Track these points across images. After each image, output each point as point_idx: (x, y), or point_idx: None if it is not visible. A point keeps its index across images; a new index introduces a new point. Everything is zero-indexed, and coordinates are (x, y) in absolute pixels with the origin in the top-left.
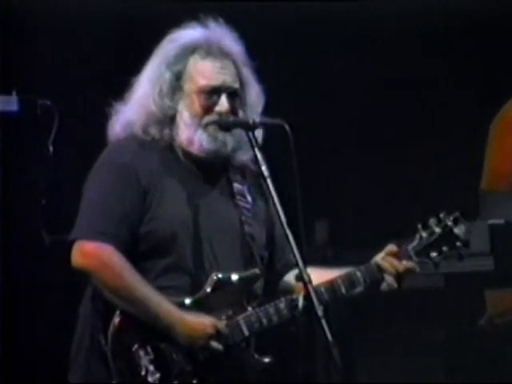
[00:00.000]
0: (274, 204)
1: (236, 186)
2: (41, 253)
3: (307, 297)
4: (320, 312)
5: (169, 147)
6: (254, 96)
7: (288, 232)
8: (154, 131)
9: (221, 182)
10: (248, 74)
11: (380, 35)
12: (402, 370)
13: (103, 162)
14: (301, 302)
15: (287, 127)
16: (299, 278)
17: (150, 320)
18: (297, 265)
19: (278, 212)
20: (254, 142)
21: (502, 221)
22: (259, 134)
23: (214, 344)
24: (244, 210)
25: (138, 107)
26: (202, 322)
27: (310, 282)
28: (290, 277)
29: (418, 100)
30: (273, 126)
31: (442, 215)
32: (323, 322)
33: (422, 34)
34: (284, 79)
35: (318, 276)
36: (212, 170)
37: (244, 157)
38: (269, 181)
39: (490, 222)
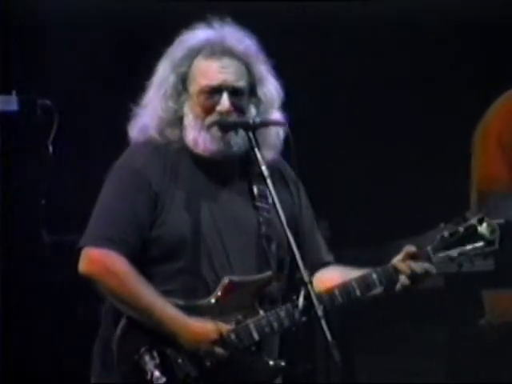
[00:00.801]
0: (275, 204)
1: (256, 186)
2: (41, 253)
3: (307, 297)
4: (320, 312)
5: (183, 149)
6: (270, 92)
7: (288, 232)
8: (168, 133)
9: (239, 182)
10: (262, 71)
11: (384, 35)
12: (402, 370)
13: (116, 167)
14: (301, 302)
15: (288, 127)
16: (299, 278)
17: (155, 326)
18: (297, 265)
19: (277, 212)
20: (253, 142)
21: (501, 221)
22: (280, 132)
23: (218, 350)
24: (263, 211)
25: (150, 110)
26: (206, 327)
27: (310, 282)
28: (317, 277)
29: (419, 100)
30: (274, 125)
31: (467, 214)
32: (323, 322)
33: (426, 34)
34: (283, 79)
35: (339, 274)
36: (228, 170)
37: (269, 156)
38: (269, 181)
39: None
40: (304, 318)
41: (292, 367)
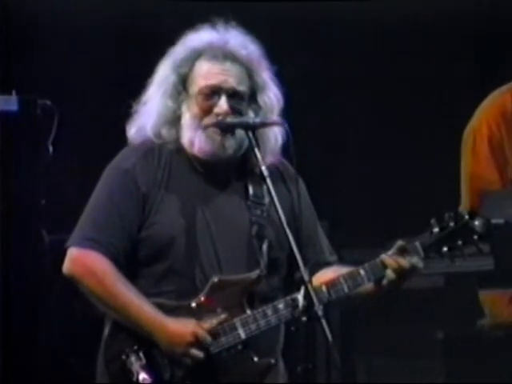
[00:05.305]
0: (274, 205)
1: (251, 186)
2: (41, 253)
3: (307, 296)
4: (320, 312)
5: (178, 150)
6: (271, 99)
7: (288, 232)
8: (163, 132)
9: (235, 182)
10: (264, 78)
11: (384, 34)
12: (402, 370)
13: (107, 168)
14: (301, 302)
15: (287, 127)
16: (299, 277)
17: (132, 326)
18: (297, 265)
19: (277, 212)
20: (253, 142)
21: (501, 221)
22: (279, 137)
23: (194, 351)
24: (256, 211)
25: (148, 108)
26: (183, 329)
27: (310, 281)
28: (317, 276)
29: (418, 101)
30: (273, 125)
31: (459, 209)
32: (323, 321)
33: (425, 34)
34: (284, 80)
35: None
36: (224, 170)
37: (267, 160)
38: (268, 181)
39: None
40: (291, 316)
41: (291, 366)
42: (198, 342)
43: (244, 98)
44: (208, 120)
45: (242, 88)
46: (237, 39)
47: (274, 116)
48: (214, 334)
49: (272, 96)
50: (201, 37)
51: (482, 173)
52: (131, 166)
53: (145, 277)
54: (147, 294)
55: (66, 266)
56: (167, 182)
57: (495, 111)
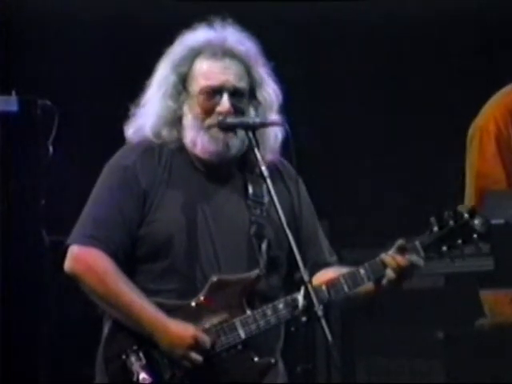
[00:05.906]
0: (274, 204)
1: (251, 185)
2: (41, 253)
3: (307, 296)
4: (320, 312)
5: (179, 149)
6: (270, 95)
7: (288, 232)
8: (164, 133)
9: (235, 181)
10: (262, 74)
11: (383, 33)
12: (402, 370)
13: (107, 165)
14: (301, 302)
15: (287, 127)
16: (299, 277)
17: (133, 326)
18: (297, 265)
19: (277, 212)
20: (253, 142)
21: (502, 221)
22: (279, 135)
23: (193, 355)
24: (256, 211)
25: (148, 109)
26: (184, 331)
27: (310, 282)
28: (317, 277)
29: (418, 100)
30: (273, 125)
31: (458, 208)
32: (323, 321)
33: (424, 32)
34: (284, 78)
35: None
36: (224, 170)
37: (266, 157)
38: (268, 181)
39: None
40: (291, 316)
41: (291, 366)
42: (197, 346)
43: (244, 94)
44: (210, 120)
45: (242, 85)
46: (234, 36)
47: (274, 112)
48: (213, 338)
49: (271, 91)
50: (198, 35)
51: (489, 171)
52: (132, 163)
53: (144, 275)
54: (146, 292)
55: (68, 264)
56: (168, 179)
57: (502, 109)
